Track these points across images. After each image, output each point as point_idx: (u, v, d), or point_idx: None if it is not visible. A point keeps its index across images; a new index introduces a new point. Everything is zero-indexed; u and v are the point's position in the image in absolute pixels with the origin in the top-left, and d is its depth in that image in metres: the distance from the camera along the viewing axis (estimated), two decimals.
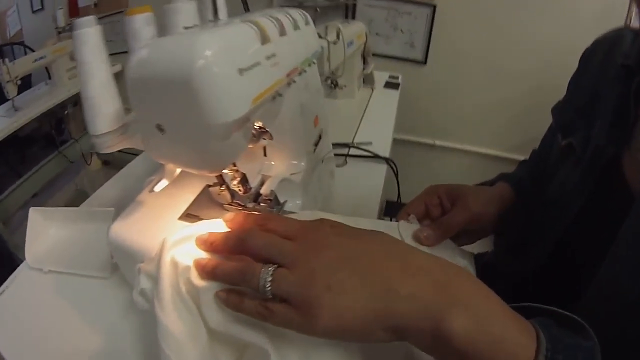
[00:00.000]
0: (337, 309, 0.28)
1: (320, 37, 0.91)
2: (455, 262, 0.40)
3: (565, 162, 0.51)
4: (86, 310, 0.52)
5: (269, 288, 0.29)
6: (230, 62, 0.31)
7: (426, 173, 1.94)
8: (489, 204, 0.53)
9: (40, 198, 1.42)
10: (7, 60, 1.11)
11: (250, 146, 0.41)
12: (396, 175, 0.93)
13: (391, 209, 1.28)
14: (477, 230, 0.52)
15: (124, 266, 0.52)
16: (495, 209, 0.53)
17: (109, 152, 0.44)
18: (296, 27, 0.48)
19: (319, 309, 0.28)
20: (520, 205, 0.56)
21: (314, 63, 0.63)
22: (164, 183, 0.42)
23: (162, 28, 0.49)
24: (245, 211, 0.46)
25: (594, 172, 0.44)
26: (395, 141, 1.14)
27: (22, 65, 1.20)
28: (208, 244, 0.35)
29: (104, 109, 0.41)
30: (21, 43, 1.50)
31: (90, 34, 0.39)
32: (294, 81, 0.51)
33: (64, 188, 1.41)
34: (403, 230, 0.47)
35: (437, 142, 1.89)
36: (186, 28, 0.42)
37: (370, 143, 1.00)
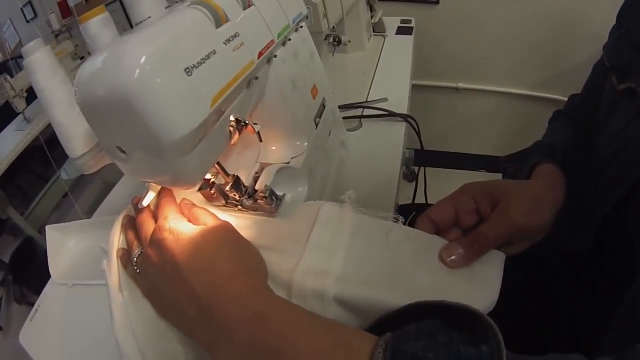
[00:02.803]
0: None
1: None
2: (482, 265, 0.36)
3: (623, 111, 0.41)
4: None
5: (135, 265, 0.38)
6: (171, 63, 0.26)
7: (452, 118, 1.83)
8: (538, 211, 0.41)
9: (69, 198, 1.46)
10: (7, 76, 1.11)
11: (232, 143, 0.37)
12: (417, 132, 0.87)
13: (419, 158, 1.20)
14: (523, 240, 0.41)
15: None
16: (546, 216, 0.41)
17: (93, 171, 0.43)
18: None
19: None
20: (571, 185, 0.45)
21: (300, 27, 0.56)
22: (150, 196, 0.39)
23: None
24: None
25: None
26: (416, 87, 1.05)
27: (24, 77, 1.18)
28: (134, 202, 0.42)
29: (76, 131, 0.39)
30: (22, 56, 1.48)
31: (39, 59, 0.37)
32: (275, 56, 0.46)
33: (91, 184, 1.44)
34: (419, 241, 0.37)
35: (461, 85, 1.75)
36: (137, 24, 0.37)
37: (385, 99, 0.93)
